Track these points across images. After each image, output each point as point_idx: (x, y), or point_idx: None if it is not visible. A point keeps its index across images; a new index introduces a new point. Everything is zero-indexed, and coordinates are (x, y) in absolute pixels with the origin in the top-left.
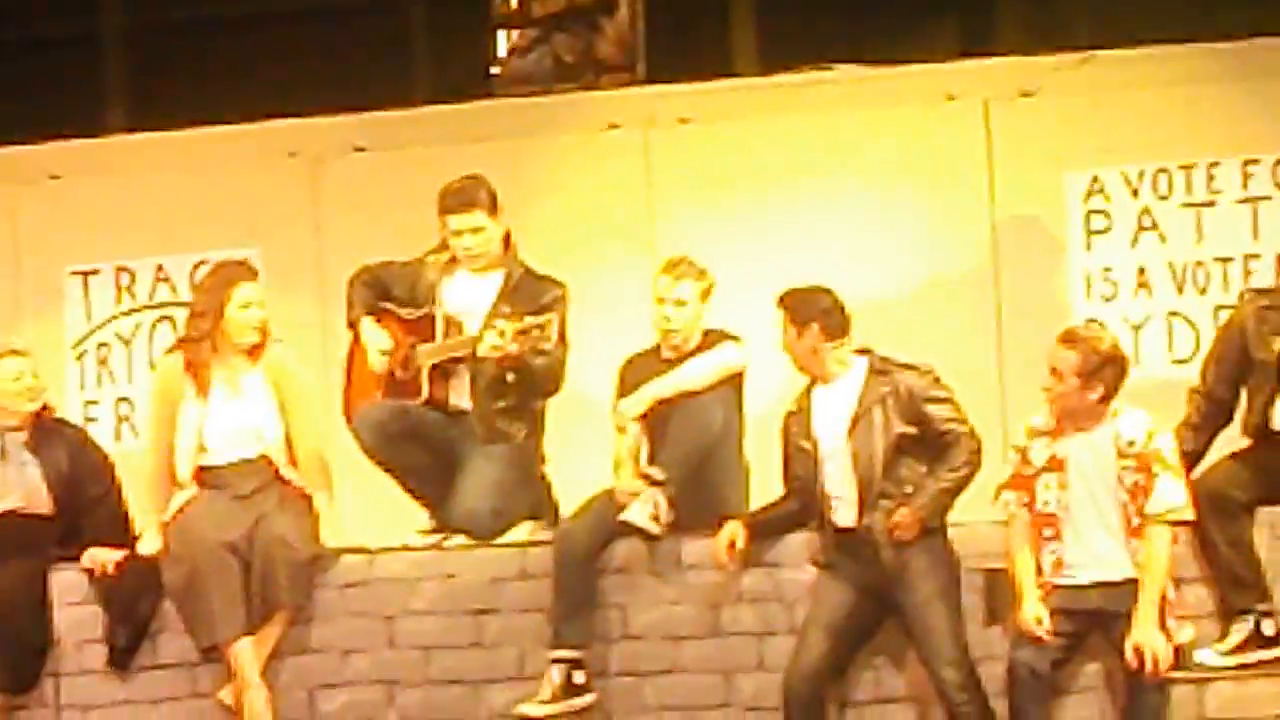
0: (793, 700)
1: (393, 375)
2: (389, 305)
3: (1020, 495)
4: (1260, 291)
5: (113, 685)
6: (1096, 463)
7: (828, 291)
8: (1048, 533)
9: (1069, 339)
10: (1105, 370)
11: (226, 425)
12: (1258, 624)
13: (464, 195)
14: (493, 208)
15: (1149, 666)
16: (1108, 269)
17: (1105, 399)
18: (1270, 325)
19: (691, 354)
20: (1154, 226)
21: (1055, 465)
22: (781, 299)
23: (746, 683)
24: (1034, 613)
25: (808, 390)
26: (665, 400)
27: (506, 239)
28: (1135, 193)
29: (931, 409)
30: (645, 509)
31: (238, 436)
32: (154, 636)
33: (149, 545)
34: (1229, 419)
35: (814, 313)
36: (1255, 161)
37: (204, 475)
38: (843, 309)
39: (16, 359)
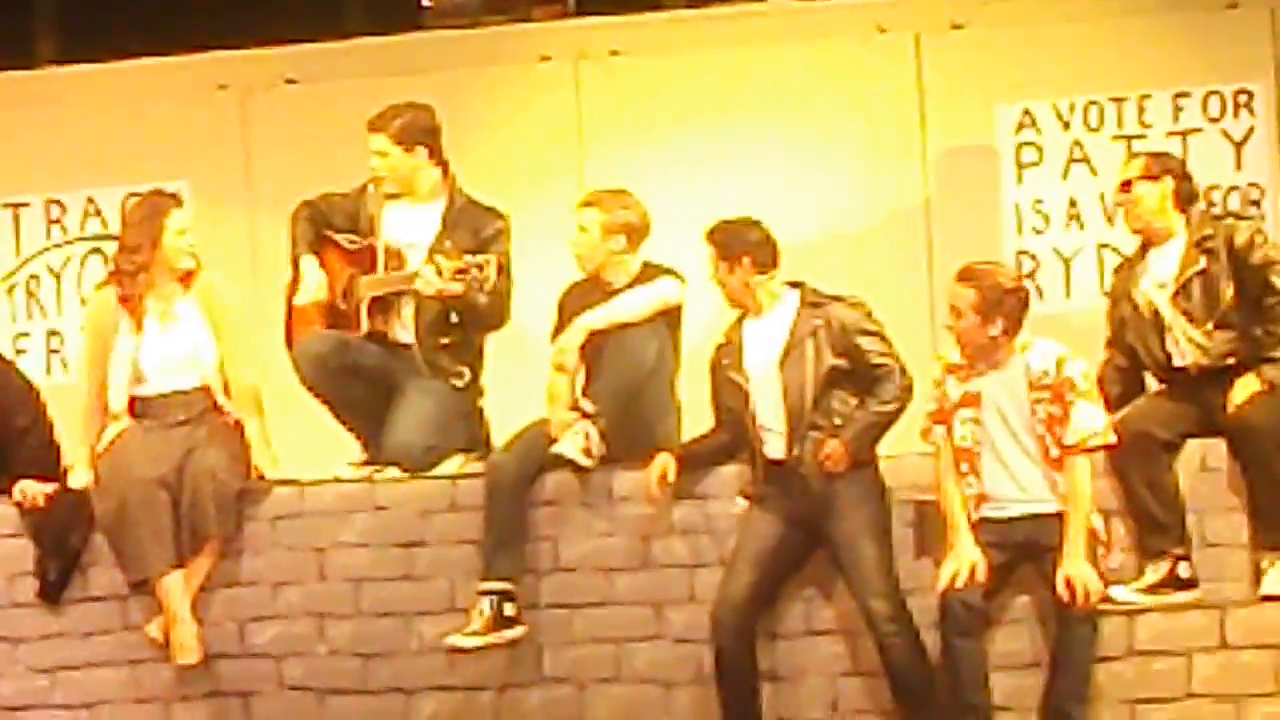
0: (721, 631)
1: (333, 306)
2: (332, 235)
3: (945, 429)
4: (1126, 259)
5: (43, 618)
6: (1011, 398)
7: (756, 223)
8: (964, 468)
9: (965, 275)
10: (1004, 304)
11: (163, 354)
12: (1174, 567)
13: (378, 119)
14: (403, 137)
15: (1079, 599)
16: (1039, 201)
17: (1008, 333)
18: (1133, 281)
19: (628, 287)
20: (1085, 159)
21: (970, 401)
22: (710, 233)
23: (677, 615)
24: (970, 559)
25: (738, 323)
26: (599, 332)
27: (445, 169)
28: (1066, 125)
29: (863, 342)
30: (577, 441)
31: (175, 365)
32: (85, 569)
33: (79, 479)
34: (1141, 386)
35: (744, 246)
36: (1186, 95)
37: (139, 405)
38: (772, 241)
39: None
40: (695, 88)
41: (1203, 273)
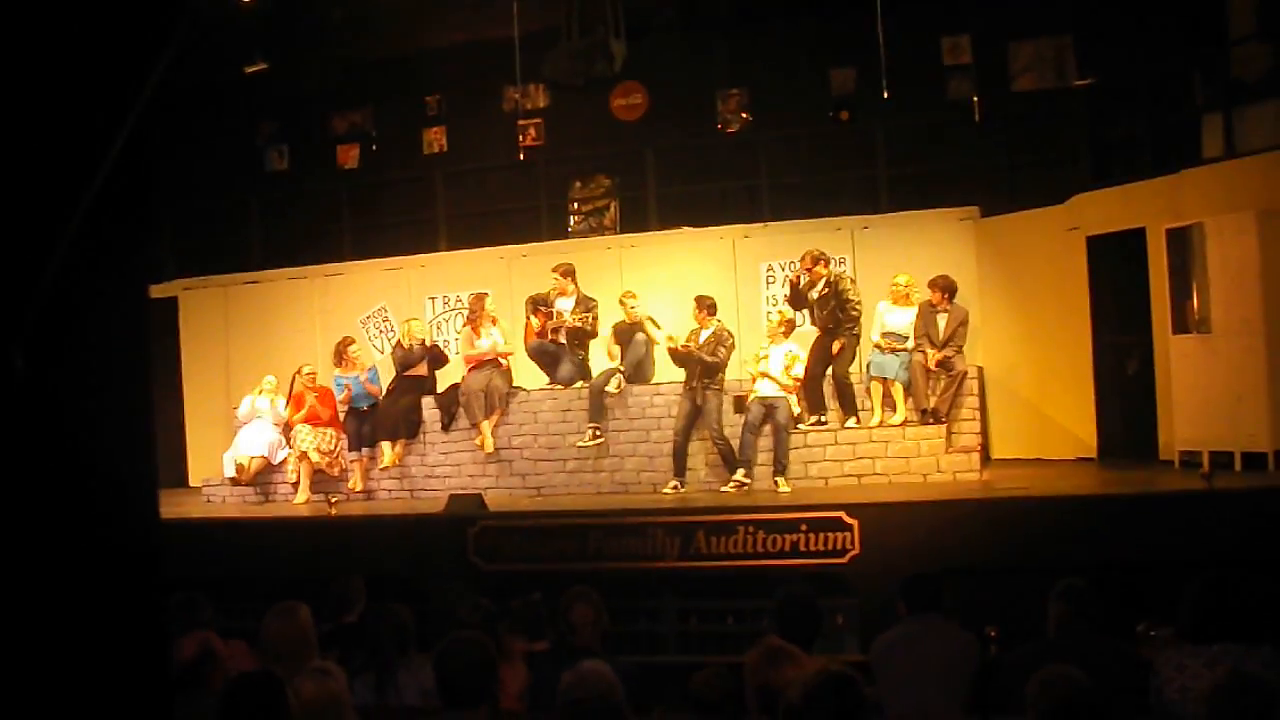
0: (676, 442)
1: (540, 332)
2: (540, 307)
3: (756, 369)
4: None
5: (443, 437)
6: (780, 359)
7: (709, 298)
8: (758, 382)
9: (782, 313)
10: (788, 325)
11: (485, 345)
12: (820, 415)
13: (554, 268)
14: (564, 274)
15: (789, 419)
16: (773, 298)
17: (786, 334)
18: (798, 301)
19: (639, 326)
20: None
21: (766, 359)
22: (698, 299)
23: (656, 434)
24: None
25: (697, 330)
26: (625, 340)
27: (575, 283)
28: (784, 269)
29: (724, 347)
30: (618, 379)
31: (487, 348)
32: (455, 417)
33: (455, 386)
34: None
35: (706, 305)
36: (826, 255)
37: (475, 363)
38: (714, 303)
39: (418, 323)
40: (664, 256)
41: (822, 295)
